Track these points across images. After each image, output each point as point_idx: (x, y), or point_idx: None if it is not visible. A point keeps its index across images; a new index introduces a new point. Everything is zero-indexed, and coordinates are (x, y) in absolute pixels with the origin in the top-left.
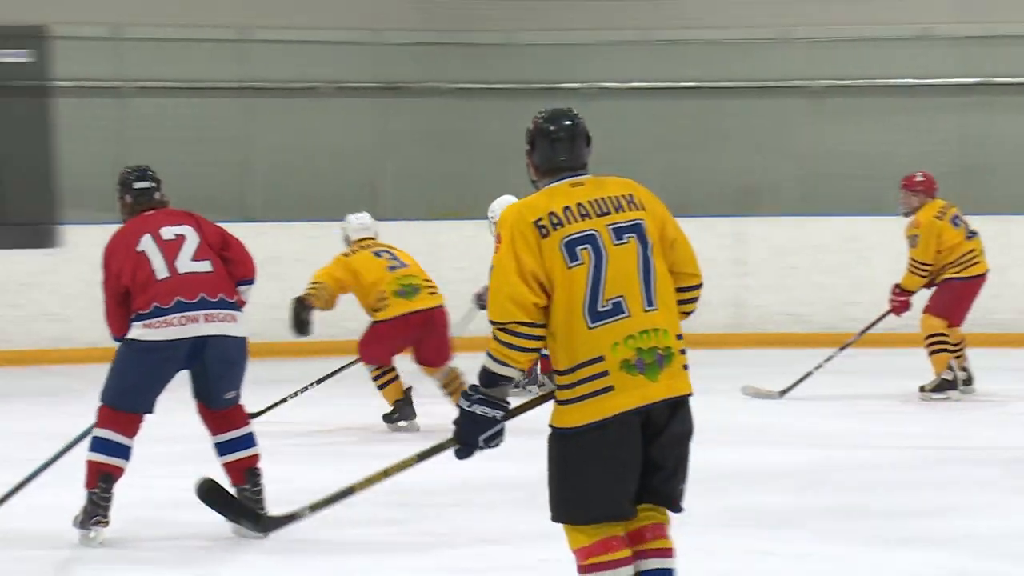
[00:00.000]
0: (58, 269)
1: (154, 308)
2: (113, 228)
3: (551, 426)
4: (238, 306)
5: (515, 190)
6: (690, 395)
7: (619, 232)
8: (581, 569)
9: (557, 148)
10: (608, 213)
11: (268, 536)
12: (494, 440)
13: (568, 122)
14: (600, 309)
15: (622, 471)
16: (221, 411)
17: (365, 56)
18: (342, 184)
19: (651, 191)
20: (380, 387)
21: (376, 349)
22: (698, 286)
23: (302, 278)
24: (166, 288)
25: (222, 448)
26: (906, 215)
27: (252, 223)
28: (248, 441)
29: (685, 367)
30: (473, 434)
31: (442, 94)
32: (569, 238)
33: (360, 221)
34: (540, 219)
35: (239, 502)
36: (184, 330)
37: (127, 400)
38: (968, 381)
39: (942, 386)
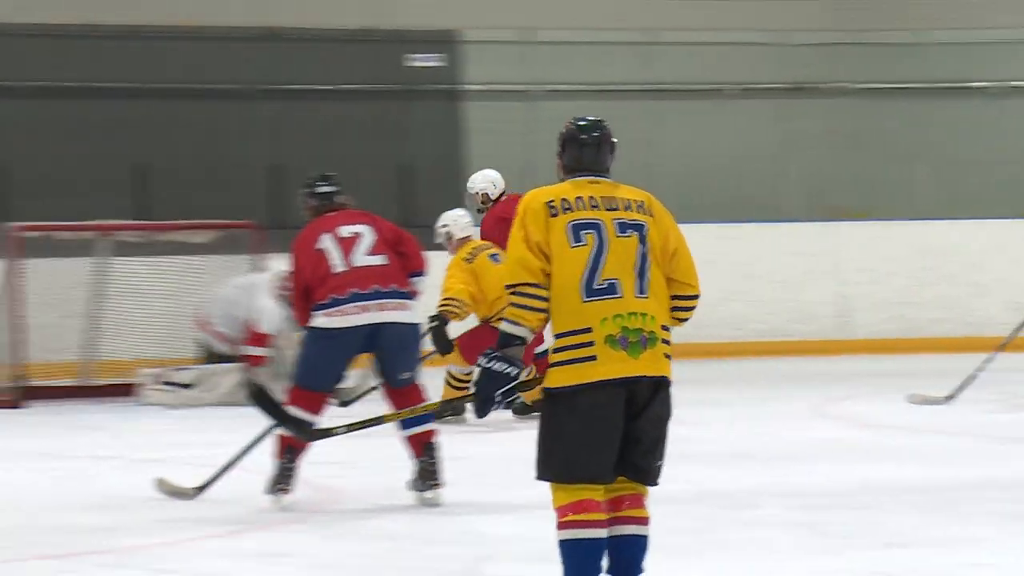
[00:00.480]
0: None
1: (331, 299)
2: None
3: (543, 388)
4: (411, 295)
5: (922, 190)
6: (669, 380)
7: (623, 227)
8: (559, 525)
9: (585, 151)
10: (616, 209)
11: (313, 442)
12: (510, 395)
13: (597, 131)
14: (595, 287)
15: (602, 437)
16: (400, 389)
17: (770, 57)
18: (744, 186)
19: None
20: (457, 388)
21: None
22: (694, 296)
23: None
24: (342, 281)
25: (402, 423)
26: None
27: None
28: (426, 417)
29: (667, 356)
30: (491, 389)
31: (847, 94)
32: (576, 222)
33: (466, 219)
34: (552, 201)
35: (284, 408)
36: (359, 318)
37: (311, 380)
38: None
39: None
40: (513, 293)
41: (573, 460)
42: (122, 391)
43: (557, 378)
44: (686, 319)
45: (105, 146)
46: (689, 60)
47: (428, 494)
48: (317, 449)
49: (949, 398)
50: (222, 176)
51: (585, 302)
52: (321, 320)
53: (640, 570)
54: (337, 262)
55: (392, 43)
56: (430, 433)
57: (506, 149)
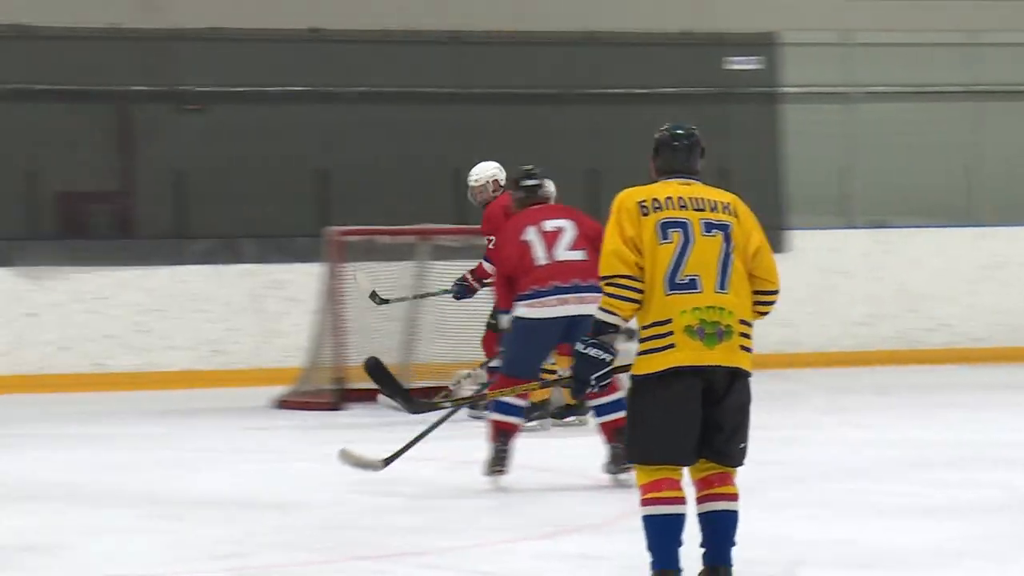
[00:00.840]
0: (784, 275)
1: (533, 290)
2: (839, 233)
3: (631, 375)
4: None
5: None
6: (745, 371)
7: (709, 226)
8: (642, 503)
9: (677, 155)
10: (703, 210)
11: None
12: (604, 379)
13: (688, 137)
14: (678, 281)
15: (681, 421)
16: None
17: None
18: None
19: None
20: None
21: None
22: (774, 291)
23: None
24: (544, 273)
25: (598, 410)
26: None
27: (978, 227)
28: (619, 405)
29: (744, 348)
30: (587, 372)
31: None
32: (664, 220)
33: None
34: (644, 201)
35: (397, 381)
36: (558, 310)
37: (515, 368)
38: None
39: None
40: (608, 284)
41: (653, 443)
42: (439, 393)
43: (641, 366)
44: (767, 312)
45: (424, 150)
46: (1013, 61)
47: (621, 476)
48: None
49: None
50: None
51: (668, 295)
52: (522, 310)
53: (732, 543)
54: (540, 255)
55: (711, 46)
56: (622, 420)
57: (824, 152)
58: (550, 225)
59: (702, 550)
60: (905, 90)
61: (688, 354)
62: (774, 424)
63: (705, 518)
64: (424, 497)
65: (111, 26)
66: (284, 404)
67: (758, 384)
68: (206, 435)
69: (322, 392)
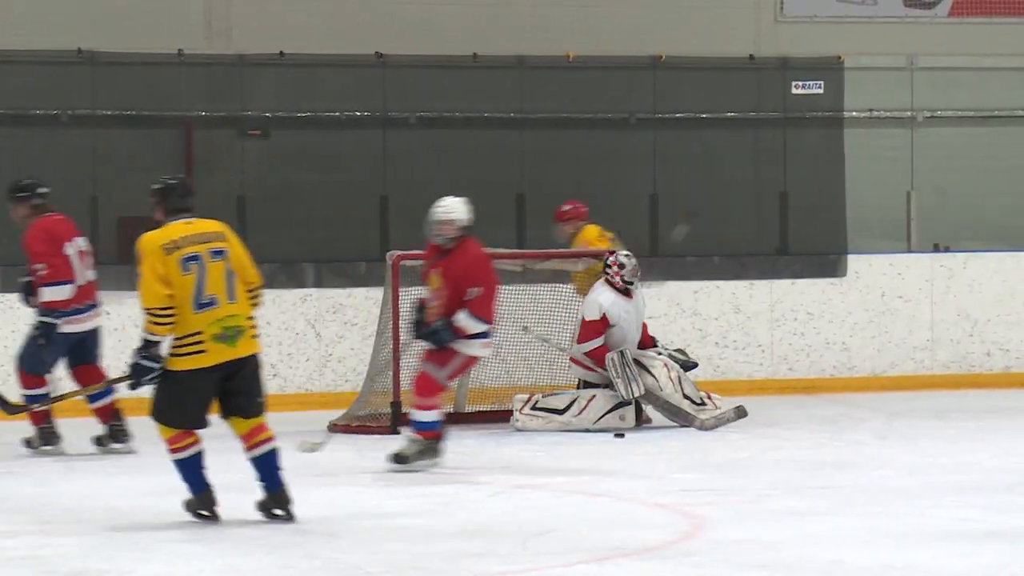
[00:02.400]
0: (842, 299)
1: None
2: (900, 257)
3: (164, 368)
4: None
5: None
6: (258, 354)
7: (214, 254)
8: (170, 451)
9: (182, 200)
10: (209, 241)
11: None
12: (152, 382)
13: (183, 184)
14: (202, 302)
15: (196, 401)
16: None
17: None
18: None
19: None
20: None
21: None
22: (260, 286)
23: None
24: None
25: (91, 398)
26: None
27: None
28: (108, 392)
29: (254, 336)
30: (141, 376)
31: None
32: (184, 256)
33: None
34: (166, 243)
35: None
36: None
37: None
38: None
39: None
40: (148, 313)
41: (176, 413)
42: (496, 417)
43: (177, 364)
44: (260, 302)
45: (486, 175)
46: None
47: (108, 446)
48: (688, 477)
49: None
50: (601, 204)
51: (196, 313)
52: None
53: (280, 469)
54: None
55: (775, 70)
56: (111, 404)
57: (886, 176)
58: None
59: (262, 483)
60: (968, 114)
61: (215, 356)
62: (828, 448)
63: (257, 460)
64: (475, 522)
65: (175, 52)
66: (340, 428)
67: (814, 407)
68: None
69: (378, 416)
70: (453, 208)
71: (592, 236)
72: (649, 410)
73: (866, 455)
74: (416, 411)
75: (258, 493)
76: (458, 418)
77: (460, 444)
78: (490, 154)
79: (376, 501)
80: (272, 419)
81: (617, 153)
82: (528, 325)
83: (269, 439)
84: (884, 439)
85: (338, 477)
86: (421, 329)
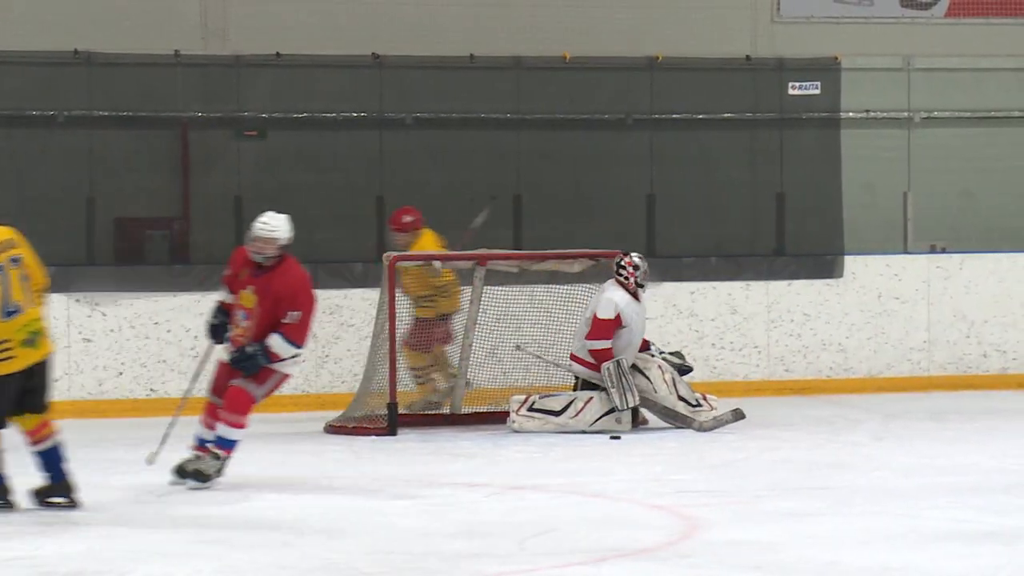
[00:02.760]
0: (838, 299)
1: None
2: (896, 258)
3: None
4: None
5: None
6: (52, 352)
7: (12, 261)
8: None
9: None
10: (7, 250)
11: None
12: None
13: None
14: (9, 309)
15: (9, 404)
16: None
17: None
18: None
19: None
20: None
21: None
22: (47, 287)
23: None
24: None
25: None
26: None
27: None
28: None
29: (48, 336)
30: None
31: None
32: None
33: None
34: None
35: None
36: None
37: None
38: None
39: None
40: None
41: None
42: (492, 418)
43: None
44: (44, 301)
45: (482, 176)
46: None
47: None
48: (685, 478)
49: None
50: (597, 205)
51: (3, 321)
52: None
53: (66, 460)
54: None
55: (771, 71)
56: None
57: (883, 176)
58: None
59: (47, 475)
60: (965, 115)
61: (24, 360)
62: (825, 449)
63: (44, 453)
64: (472, 523)
65: (172, 52)
66: (336, 429)
67: (811, 408)
68: (256, 460)
69: (374, 417)
70: (276, 226)
71: (429, 243)
72: (645, 412)
73: (863, 456)
74: (228, 428)
75: (38, 482)
76: (455, 420)
77: (457, 446)
78: (487, 155)
79: (373, 502)
80: (268, 419)
81: (614, 154)
82: (521, 343)
83: (53, 433)
84: (881, 440)
85: (335, 478)
86: (234, 357)
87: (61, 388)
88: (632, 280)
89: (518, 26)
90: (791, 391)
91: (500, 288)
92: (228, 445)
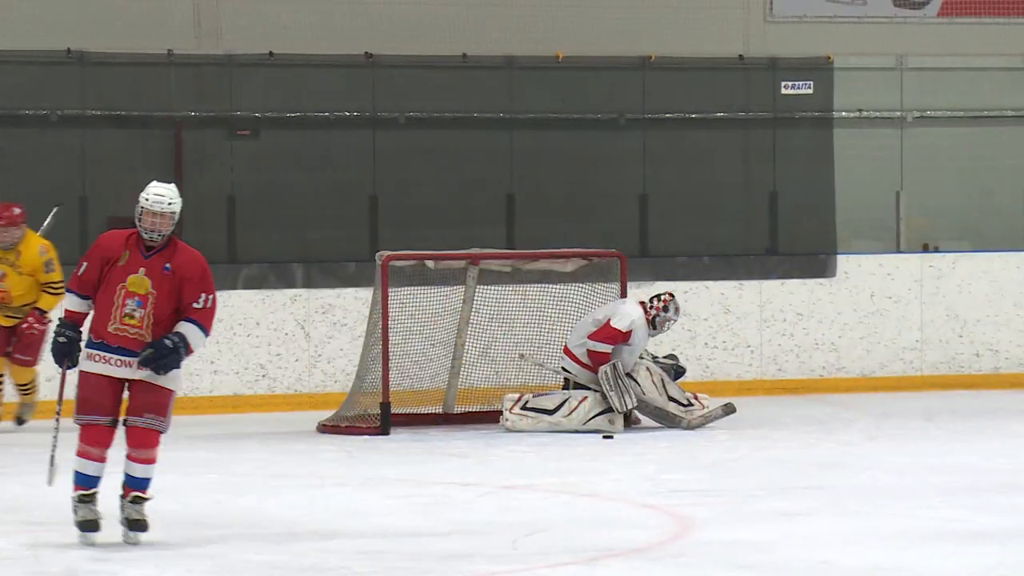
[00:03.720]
0: (831, 299)
1: None
2: (889, 258)
3: None
4: None
5: None
6: None
7: None
8: None
9: None
10: None
11: None
12: None
13: None
14: None
15: None
16: None
17: None
18: None
19: None
20: None
21: None
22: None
23: None
24: None
25: None
26: None
27: None
28: None
29: None
30: None
31: None
32: None
33: None
34: None
35: None
36: None
37: None
38: None
39: None
40: None
41: None
42: (485, 418)
43: None
44: None
45: (475, 175)
46: None
47: None
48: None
49: None
50: (590, 205)
51: None
52: None
53: None
54: None
55: (764, 70)
56: None
57: (876, 175)
58: None
59: None
60: (958, 114)
61: None
62: (817, 448)
63: None
64: (464, 522)
65: (165, 52)
66: (329, 429)
67: (803, 407)
68: (250, 459)
69: (367, 417)
70: (173, 198)
71: (33, 240)
72: (637, 412)
73: (855, 456)
74: (147, 467)
75: None
76: (447, 419)
77: (450, 445)
78: (479, 154)
79: (365, 502)
80: (262, 419)
81: (607, 153)
82: (524, 352)
83: None
84: (873, 440)
85: (327, 478)
86: (148, 354)
87: (53, 387)
88: (654, 314)
89: (510, 25)
90: (784, 391)
91: (492, 287)
92: (145, 486)
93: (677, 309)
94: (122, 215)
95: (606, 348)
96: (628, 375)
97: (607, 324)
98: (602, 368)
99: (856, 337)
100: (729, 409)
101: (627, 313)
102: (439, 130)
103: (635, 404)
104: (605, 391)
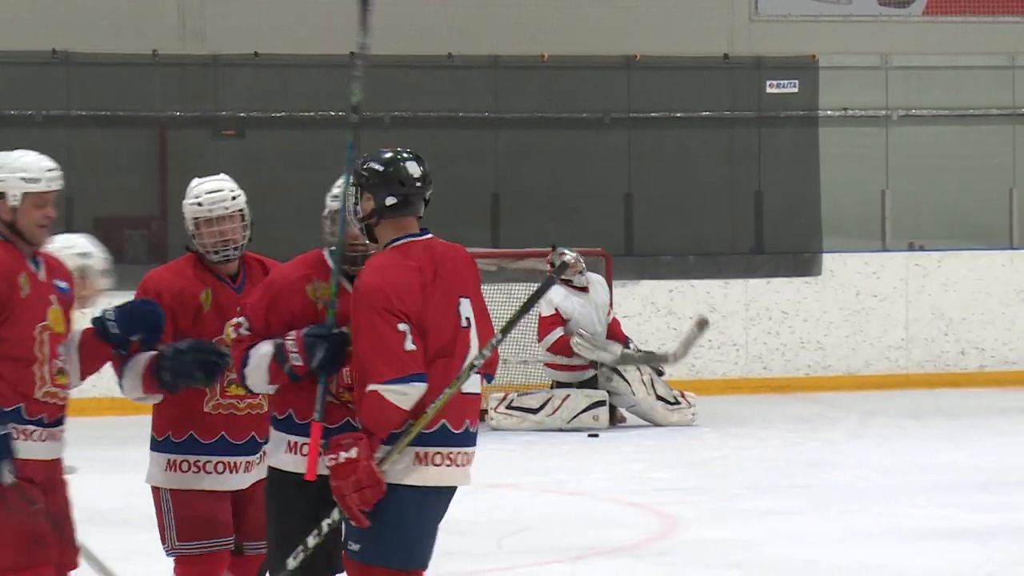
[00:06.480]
0: (817, 297)
1: None
2: (874, 256)
3: None
4: None
5: None
6: None
7: None
8: None
9: None
10: None
11: None
12: None
13: None
14: None
15: None
16: None
17: None
18: None
19: None
20: None
21: None
22: None
23: None
24: None
25: None
26: None
27: (1014, 250)
28: None
29: None
30: None
31: None
32: None
33: None
34: None
35: None
36: None
37: None
38: None
39: None
40: None
41: None
42: None
43: None
44: None
45: (460, 175)
46: None
47: None
48: (663, 476)
49: None
50: (575, 204)
51: None
52: None
53: None
54: None
55: (749, 69)
56: None
57: (861, 174)
58: None
59: None
60: (943, 113)
61: None
62: (803, 447)
63: None
64: (448, 521)
65: (150, 52)
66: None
67: (789, 406)
68: None
69: None
70: (234, 188)
71: None
72: (623, 411)
73: (841, 454)
74: None
75: None
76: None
77: None
78: (465, 154)
79: None
80: None
81: (592, 152)
82: (527, 359)
83: None
84: (859, 438)
85: None
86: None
87: None
88: (553, 273)
89: (496, 25)
90: (769, 389)
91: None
92: None
93: (562, 252)
94: (107, 215)
95: (557, 333)
96: (615, 371)
97: (539, 321)
98: (573, 341)
99: (842, 335)
100: (702, 324)
101: (546, 299)
102: (424, 129)
103: (619, 354)
104: (587, 357)
